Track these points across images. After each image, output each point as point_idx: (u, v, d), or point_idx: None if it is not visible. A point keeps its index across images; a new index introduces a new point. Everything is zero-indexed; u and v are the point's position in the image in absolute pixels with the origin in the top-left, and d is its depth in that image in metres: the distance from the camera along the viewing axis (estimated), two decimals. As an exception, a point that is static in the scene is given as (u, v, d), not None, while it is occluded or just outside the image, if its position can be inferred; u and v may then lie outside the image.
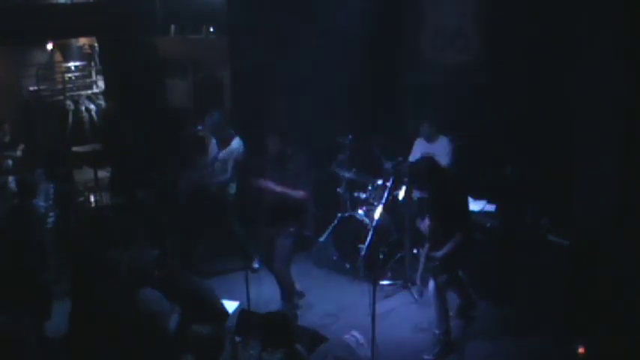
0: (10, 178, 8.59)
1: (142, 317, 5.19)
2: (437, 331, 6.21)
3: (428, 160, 6.22)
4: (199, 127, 7.57)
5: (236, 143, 7.45)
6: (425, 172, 6.09)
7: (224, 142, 7.45)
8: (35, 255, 6.50)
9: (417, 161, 6.48)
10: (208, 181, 7.49)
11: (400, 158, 7.52)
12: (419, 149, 7.77)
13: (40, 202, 7.31)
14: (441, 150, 7.54)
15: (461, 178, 6.50)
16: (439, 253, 6.02)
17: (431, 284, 6.18)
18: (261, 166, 6.65)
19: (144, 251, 5.79)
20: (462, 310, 6.65)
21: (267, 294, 6.85)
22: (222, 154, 7.44)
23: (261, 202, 6.70)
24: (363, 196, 7.86)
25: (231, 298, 6.79)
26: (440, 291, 6.14)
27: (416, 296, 7.17)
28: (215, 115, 7.48)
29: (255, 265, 7.76)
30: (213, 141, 7.55)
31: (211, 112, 7.59)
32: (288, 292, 6.76)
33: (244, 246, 7.68)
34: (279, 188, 6.40)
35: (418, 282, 6.70)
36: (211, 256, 7.96)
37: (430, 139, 7.67)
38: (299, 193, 6.42)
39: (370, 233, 7.04)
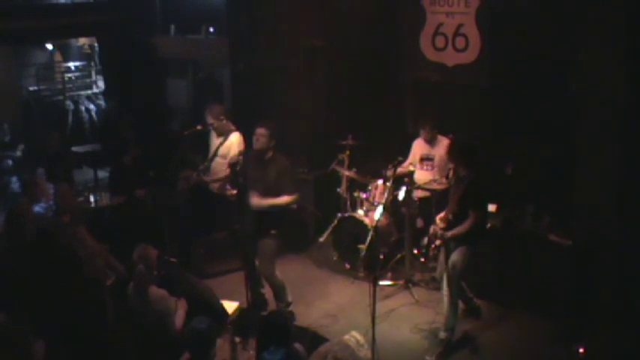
0: (14, 179, 8.60)
1: (148, 315, 5.21)
2: (442, 330, 6.20)
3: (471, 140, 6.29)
4: (199, 127, 7.54)
5: (234, 137, 7.43)
6: (469, 151, 6.09)
7: (222, 136, 7.42)
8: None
9: (460, 139, 6.47)
10: (208, 179, 7.46)
11: (400, 158, 7.53)
12: (419, 151, 7.78)
13: (40, 203, 7.31)
14: (441, 151, 7.55)
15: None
16: (449, 232, 6.05)
17: (445, 277, 6.17)
18: (244, 167, 6.52)
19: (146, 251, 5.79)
20: (466, 314, 6.66)
21: (267, 294, 6.84)
22: (222, 149, 7.42)
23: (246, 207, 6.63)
24: (363, 196, 7.86)
25: (231, 298, 6.79)
26: (453, 284, 6.12)
27: (416, 296, 7.17)
28: (215, 108, 7.41)
29: None
30: (213, 134, 7.52)
31: (211, 105, 7.55)
32: (279, 292, 6.71)
33: (245, 245, 7.67)
34: (265, 201, 6.33)
35: (437, 276, 6.63)
36: (211, 256, 7.96)
37: (431, 142, 7.67)
38: (284, 198, 6.36)
39: (370, 233, 7.03)
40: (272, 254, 6.59)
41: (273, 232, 6.49)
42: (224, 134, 7.40)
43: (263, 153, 6.38)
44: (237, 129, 7.44)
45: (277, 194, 6.38)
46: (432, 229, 6.31)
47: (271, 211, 6.42)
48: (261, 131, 6.34)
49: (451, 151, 6.26)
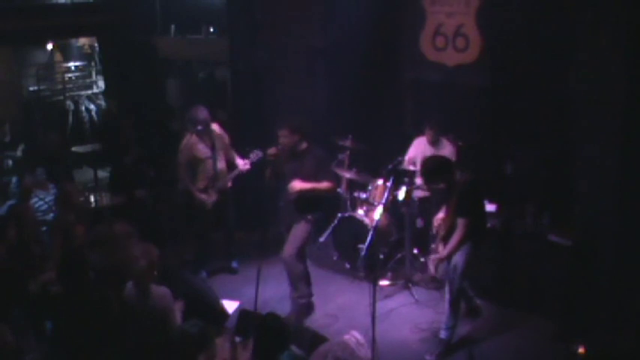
0: (14, 179, 8.60)
1: (154, 313, 5.21)
2: (443, 330, 6.18)
3: (438, 157, 6.28)
4: (199, 128, 7.54)
5: (215, 128, 7.46)
6: (436, 168, 6.05)
7: (207, 135, 7.41)
8: (36, 255, 6.50)
9: (428, 158, 6.44)
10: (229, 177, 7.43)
11: (400, 158, 7.52)
12: (421, 151, 7.75)
13: (40, 202, 7.32)
14: (445, 152, 7.55)
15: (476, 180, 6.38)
16: (444, 251, 6.02)
17: (447, 288, 6.13)
18: (278, 162, 6.58)
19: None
20: (465, 313, 6.66)
21: (267, 294, 6.84)
22: (218, 144, 7.42)
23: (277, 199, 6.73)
24: (363, 196, 7.86)
25: (231, 297, 6.80)
26: (455, 284, 6.09)
27: (416, 296, 7.17)
28: (192, 113, 7.39)
29: (234, 265, 7.81)
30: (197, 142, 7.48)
31: (189, 109, 7.52)
32: (295, 279, 6.67)
33: (205, 252, 7.74)
34: (308, 185, 6.41)
35: (438, 275, 6.55)
36: (211, 255, 7.95)
37: (435, 144, 7.67)
38: (324, 184, 6.47)
39: (370, 233, 7.03)
40: (300, 238, 6.59)
41: (309, 217, 6.56)
42: (206, 134, 7.41)
43: (292, 148, 6.48)
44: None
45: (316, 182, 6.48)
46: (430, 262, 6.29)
47: (309, 198, 6.47)
48: (281, 132, 6.46)
49: (424, 175, 6.20)
